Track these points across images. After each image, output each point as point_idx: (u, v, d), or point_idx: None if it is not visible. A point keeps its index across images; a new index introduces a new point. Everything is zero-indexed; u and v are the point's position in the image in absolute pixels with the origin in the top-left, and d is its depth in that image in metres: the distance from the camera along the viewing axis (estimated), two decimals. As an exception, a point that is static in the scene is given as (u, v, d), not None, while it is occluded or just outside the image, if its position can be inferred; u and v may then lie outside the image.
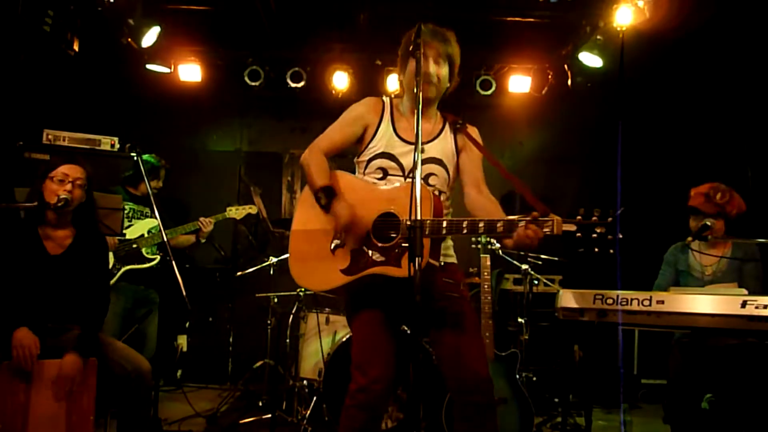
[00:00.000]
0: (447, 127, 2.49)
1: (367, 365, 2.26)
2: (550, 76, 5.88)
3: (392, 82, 5.84)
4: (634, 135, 5.48)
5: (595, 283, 2.72)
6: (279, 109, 6.39)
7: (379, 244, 2.24)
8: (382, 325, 2.32)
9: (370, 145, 2.41)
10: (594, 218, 2.01)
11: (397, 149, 2.38)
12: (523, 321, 4.25)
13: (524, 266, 4.32)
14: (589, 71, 5.50)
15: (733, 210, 3.31)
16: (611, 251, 2.00)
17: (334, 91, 5.89)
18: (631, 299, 2.49)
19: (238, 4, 5.23)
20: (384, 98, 2.51)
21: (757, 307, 2.31)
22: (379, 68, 5.89)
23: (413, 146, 2.35)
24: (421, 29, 2.18)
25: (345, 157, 2.57)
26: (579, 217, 2.02)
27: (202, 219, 4.29)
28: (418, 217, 1.93)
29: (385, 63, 5.86)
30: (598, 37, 5.11)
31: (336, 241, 2.31)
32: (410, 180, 2.28)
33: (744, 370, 3.03)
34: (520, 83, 5.93)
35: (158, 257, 4.20)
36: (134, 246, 4.04)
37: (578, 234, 2.01)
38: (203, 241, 4.41)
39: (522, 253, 4.53)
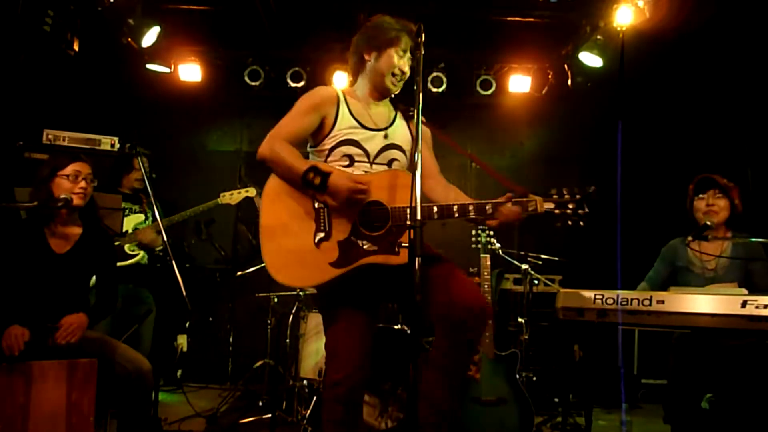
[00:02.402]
0: (399, 114, 2.54)
1: (342, 361, 2.29)
2: (550, 76, 5.88)
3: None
4: (634, 135, 5.48)
5: (595, 283, 2.72)
6: (279, 109, 6.29)
7: (369, 234, 2.27)
8: (361, 321, 2.35)
9: (331, 134, 2.40)
10: (566, 196, 2.27)
11: (360, 135, 2.40)
12: (523, 321, 4.25)
13: (524, 266, 4.31)
14: (589, 71, 5.50)
15: (736, 199, 3.28)
16: (581, 224, 2.27)
17: (334, 91, 5.88)
18: (631, 299, 2.49)
19: (238, 4, 5.24)
20: (336, 88, 2.53)
21: (757, 307, 2.31)
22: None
23: (375, 132, 2.42)
24: (421, 29, 2.19)
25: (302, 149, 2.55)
26: (555, 196, 2.27)
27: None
28: (418, 217, 1.96)
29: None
30: (598, 37, 5.12)
31: (320, 234, 2.29)
32: (364, 166, 2.36)
33: (744, 370, 3.03)
34: (520, 83, 5.93)
35: (142, 253, 4.13)
36: (116, 243, 3.97)
37: (556, 211, 2.26)
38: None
39: (522, 252, 4.53)
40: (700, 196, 3.32)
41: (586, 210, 2.25)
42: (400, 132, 2.49)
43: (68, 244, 2.93)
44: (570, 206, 2.25)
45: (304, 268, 2.28)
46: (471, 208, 2.24)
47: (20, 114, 4.60)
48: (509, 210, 2.22)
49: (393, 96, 2.54)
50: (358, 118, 2.43)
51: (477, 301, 2.20)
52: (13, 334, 2.64)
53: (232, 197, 4.26)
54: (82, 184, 2.87)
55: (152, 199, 3.31)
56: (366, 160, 2.39)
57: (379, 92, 2.48)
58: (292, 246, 2.29)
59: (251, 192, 4.33)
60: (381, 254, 2.24)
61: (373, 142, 2.40)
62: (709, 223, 3.20)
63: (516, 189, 2.24)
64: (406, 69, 2.46)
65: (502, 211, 2.22)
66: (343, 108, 2.43)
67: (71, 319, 2.75)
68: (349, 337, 2.31)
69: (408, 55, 2.46)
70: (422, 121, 2.25)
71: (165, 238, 3.21)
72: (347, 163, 2.38)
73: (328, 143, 2.40)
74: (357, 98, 2.49)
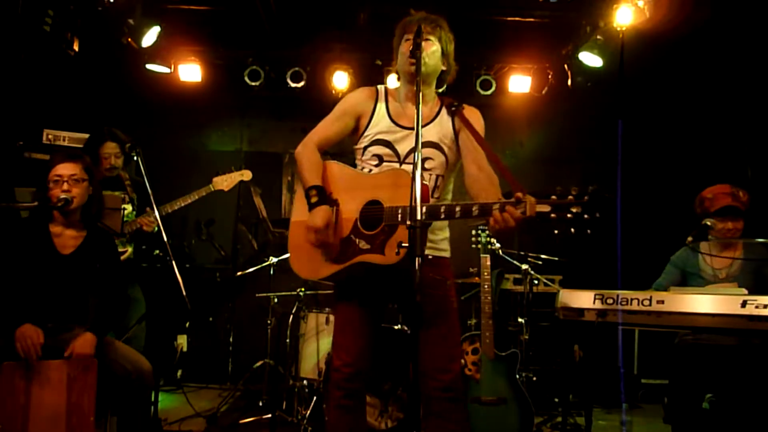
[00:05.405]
0: (444, 110, 2.49)
1: (340, 349, 2.44)
2: (550, 76, 5.88)
3: (392, 82, 5.84)
4: (634, 135, 5.48)
5: (595, 283, 2.72)
6: (279, 109, 6.39)
7: (366, 233, 2.28)
8: (359, 317, 2.44)
9: (366, 133, 2.44)
10: (570, 197, 1.90)
11: (392, 135, 2.41)
12: (523, 321, 4.25)
13: (524, 266, 4.31)
14: (589, 71, 5.49)
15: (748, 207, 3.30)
16: (588, 231, 1.90)
17: (334, 91, 5.89)
18: (631, 299, 2.49)
19: (238, 4, 5.24)
20: (378, 86, 2.53)
21: (757, 307, 2.31)
22: (379, 68, 5.87)
23: (409, 131, 2.39)
24: (421, 30, 2.19)
25: (345, 156, 2.58)
26: (554, 197, 1.92)
27: (140, 219, 3.80)
28: (418, 216, 1.92)
29: (385, 63, 5.79)
30: (598, 36, 5.11)
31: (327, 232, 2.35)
32: (392, 166, 2.37)
33: (745, 371, 3.03)
34: (520, 83, 5.92)
35: (129, 251, 4.05)
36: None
37: (552, 215, 1.92)
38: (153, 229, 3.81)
39: (522, 253, 4.53)
40: (720, 218, 3.28)
41: (596, 215, 1.89)
42: (438, 129, 2.43)
43: (73, 246, 2.93)
44: (574, 210, 1.90)
45: (310, 261, 2.39)
46: (457, 209, 2.07)
47: (20, 114, 4.59)
48: (497, 216, 1.97)
49: (438, 91, 2.53)
50: (394, 117, 2.44)
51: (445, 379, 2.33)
52: (28, 336, 2.63)
53: (225, 182, 4.07)
54: (64, 187, 2.85)
55: (151, 199, 3.30)
56: (395, 160, 2.39)
57: (407, 80, 2.44)
58: (305, 241, 2.36)
59: (246, 175, 4.15)
60: (370, 253, 2.25)
61: (406, 142, 2.39)
62: (709, 223, 3.20)
63: (515, 188, 1.97)
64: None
65: (494, 216, 1.98)
66: (381, 107, 2.46)
67: (78, 348, 2.71)
68: (347, 331, 2.44)
69: (416, 34, 2.27)
70: (459, 108, 2.41)
71: (165, 239, 3.21)
72: (376, 162, 2.41)
73: (363, 142, 2.45)
74: (397, 98, 2.49)
